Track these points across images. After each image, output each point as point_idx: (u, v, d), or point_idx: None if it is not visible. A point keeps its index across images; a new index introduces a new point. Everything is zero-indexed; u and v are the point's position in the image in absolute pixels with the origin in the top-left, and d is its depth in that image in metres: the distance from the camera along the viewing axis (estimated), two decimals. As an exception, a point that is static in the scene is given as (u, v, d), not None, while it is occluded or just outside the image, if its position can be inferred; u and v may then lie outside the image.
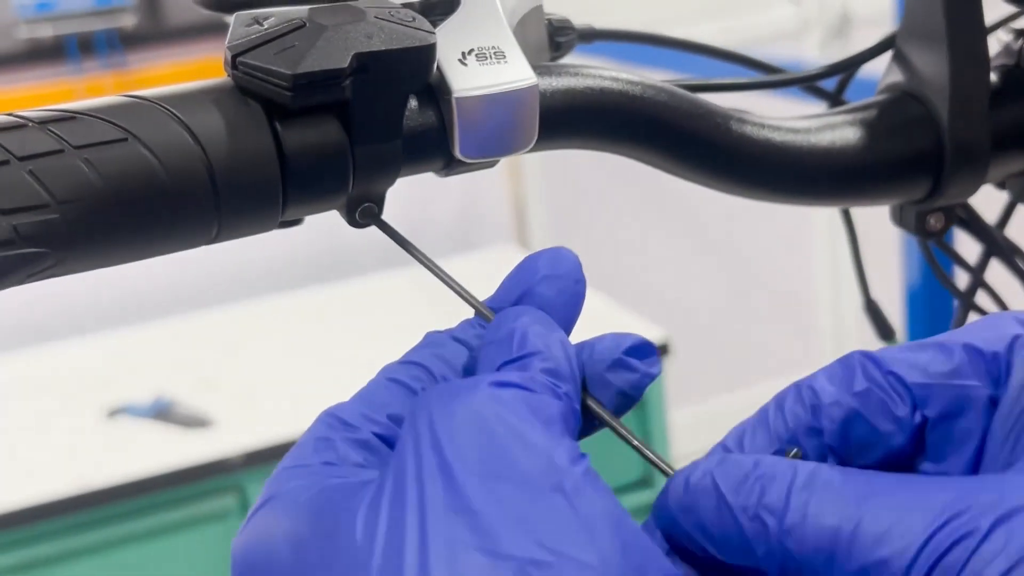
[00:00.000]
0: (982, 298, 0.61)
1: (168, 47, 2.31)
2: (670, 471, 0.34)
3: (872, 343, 0.66)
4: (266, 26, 0.36)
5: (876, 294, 0.68)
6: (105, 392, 1.98)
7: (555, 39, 0.50)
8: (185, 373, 2.02)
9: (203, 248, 0.38)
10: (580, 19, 0.53)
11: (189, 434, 1.84)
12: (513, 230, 2.63)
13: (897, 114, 0.51)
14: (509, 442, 0.30)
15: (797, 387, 0.33)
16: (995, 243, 0.57)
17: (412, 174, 0.41)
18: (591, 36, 0.54)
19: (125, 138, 0.34)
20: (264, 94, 0.36)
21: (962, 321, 0.60)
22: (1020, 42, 0.53)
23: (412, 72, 0.38)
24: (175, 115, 0.35)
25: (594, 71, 0.45)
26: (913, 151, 0.51)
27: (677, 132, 0.47)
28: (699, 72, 0.64)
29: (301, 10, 0.37)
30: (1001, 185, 0.57)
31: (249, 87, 0.36)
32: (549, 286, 0.36)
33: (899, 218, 0.55)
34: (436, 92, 0.40)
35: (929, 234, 0.53)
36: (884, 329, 0.68)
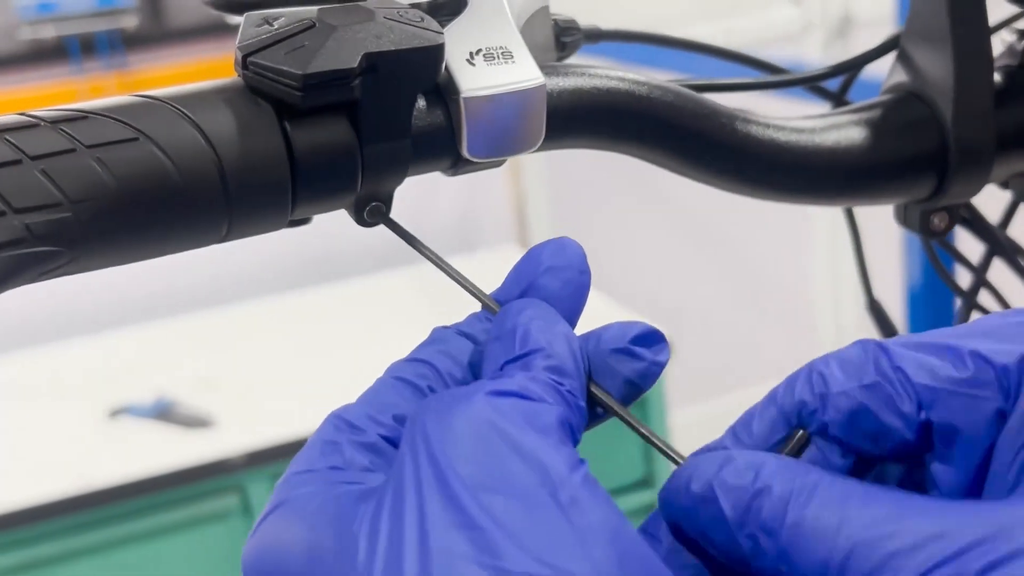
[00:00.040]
0: (984, 297, 0.61)
1: (170, 48, 2.31)
2: (680, 460, 0.34)
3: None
4: (276, 26, 0.36)
5: (878, 293, 0.68)
6: (106, 392, 1.98)
7: (561, 39, 0.50)
8: (186, 373, 2.02)
9: (207, 247, 0.38)
10: (583, 19, 0.53)
11: (190, 434, 1.84)
12: (514, 230, 2.64)
13: (902, 114, 0.51)
14: (505, 453, 0.30)
15: (809, 370, 0.33)
16: (998, 242, 0.57)
17: (420, 173, 0.41)
18: (597, 36, 0.54)
19: (137, 138, 0.34)
20: (274, 94, 0.36)
21: (965, 321, 0.61)
22: (1023, 43, 0.53)
23: (421, 72, 0.38)
24: (186, 115, 0.35)
25: (601, 71, 0.45)
26: (918, 151, 0.51)
27: (683, 132, 0.47)
28: (703, 72, 0.64)
29: (311, 10, 0.37)
30: (1004, 185, 0.57)
31: (259, 87, 0.36)
32: (553, 277, 0.36)
33: (903, 218, 0.55)
34: (444, 92, 0.40)
35: (933, 233, 0.54)
36: (887, 329, 0.69)
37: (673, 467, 0.34)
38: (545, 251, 0.37)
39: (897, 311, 1.03)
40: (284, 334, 2.19)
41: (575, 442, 0.32)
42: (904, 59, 0.53)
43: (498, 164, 0.42)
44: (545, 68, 0.43)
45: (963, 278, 0.62)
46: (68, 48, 2.24)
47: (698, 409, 2.76)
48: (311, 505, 0.31)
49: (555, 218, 2.64)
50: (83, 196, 0.33)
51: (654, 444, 0.35)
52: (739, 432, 0.34)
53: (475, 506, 0.29)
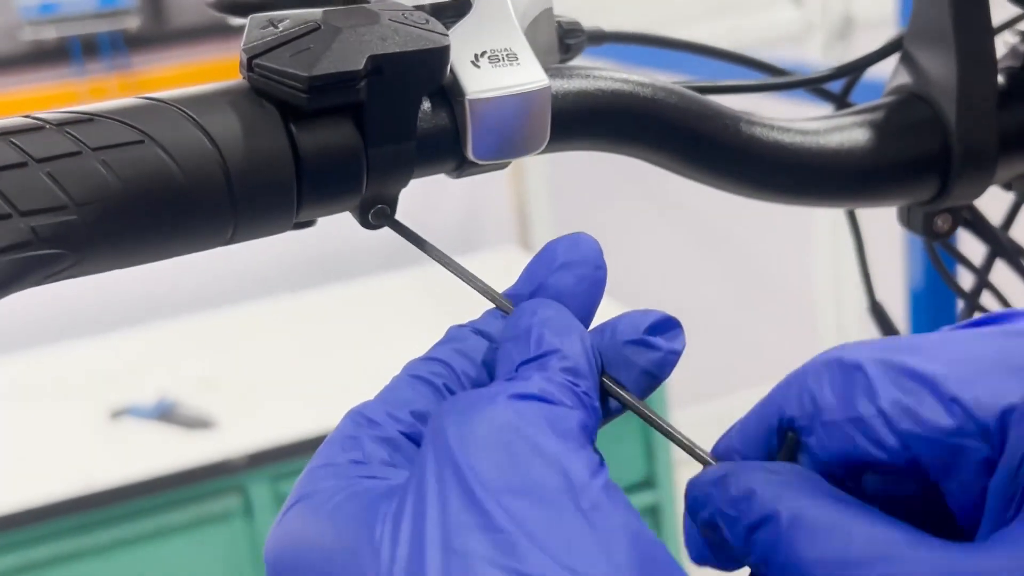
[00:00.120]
0: (987, 299, 0.61)
1: (172, 49, 2.31)
2: (707, 458, 0.35)
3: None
4: (281, 28, 0.36)
5: (879, 294, 0.68)
6: (108, 393, 1.98)
7: (565, 41, 0.50)
8: (188, 374, 2.02)
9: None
10: (586, 20, 0.53)
11: (192, 435, 1.84)
12: (516, 231, 2.64)
13: (905, 116, 0.51)
14: (527, 458, 0.30)
15: (799, 389, 0.33)
16: (1000, 244, 0.57)
17: (425, 175, 0.41)
18: (600, 38, 0.54)
19: (142, 140, 0.34)
20: (279, 96, 0.36)
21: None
22: (1026, 44, 0.53)
23: (426, 74, 0.38)
24: (191, 117, 0.35)
25: (605, 73, 0.45)
26: (921, 153, 0.51)
27: (687, 134, 0.47)
28: (705, 74, 0.65)
29: (316, 12, 0.37)
30: (1007, 186, 0.57)
31: (265, 89, 0.36)
32: (568, 273, 0.36)
33: (906, 219, 0.55)
34: (449, 94, 0.40)
35: (936, 235, 0.54)
36: (889, 331, 0.69)
37: (686, 455, 0.35)
38: (560, 247, 0.37)
39: (899, 312, 1.02)
40: (286, 335, 2.19)
41: (592, 442, 0.32)
42: (907, 61, 0.53)
43: (503, 166, 0.42)
44: (549, 70, 0.43)
45: (965, 279, 0.62)
46: (70, 49, 2.25)
47: (700, 409, 2.76)
48: (333, 500, 0.31)
49: (557, 219, 2.64)
50: (88, 199, 0.33)
51: (674, 439, 0.36)
52: (732, 439, 0.35)
53: (497, 509, 0.29)
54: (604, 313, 0.37)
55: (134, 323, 2.28)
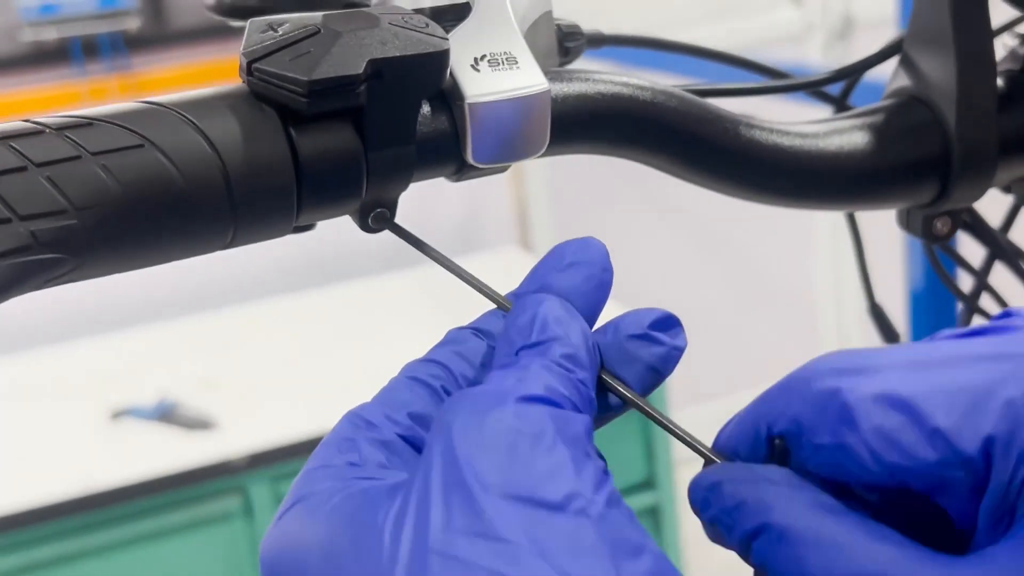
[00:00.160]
0: (986, 301, 0.61)
1: (172, 50, 2.31)
2: (707, 452, 0.35)
3: (876, 345, 0.66)
4: (281, 32, 0.36)
5: (879, 296, 0.68)
6: (109, 394, 1.98)
7: (564, 44, 0.50)
8: (189, 375, 2.03)
9: (210, 251, 0.38)
10: (585, 21, 0.53)
11: (193, 436, 1.84)
12: (516, 232, 2.64)
13: (905, 119, 0.51)
14: (535, 466, 0.30)
15: (785, 406, 0.33)
16: (999, 246, 0.57)
17: (425, 179, 0.41)
18: (600, 41, 0.54)
19: (142, 144, 0.34)
20: (279, 100, 0.36)
21: (966, 324, 0.61)
22: (1026, 47, 0.53)
23: (426, 78, 0.38)
24: (191, 121, 0.35)
25: (604, 76, 0.45)
26: (921, 155, 0.51)
27: (687, 137, 0.47)
28: (705, 75, 0.65)
29: (315, 16, 0.37)
30: (1007, 189, 0.57)
31: (264, 93, 0.36)
32: (576, 273, 0.37)
33: (906, 222, 0.55)
34: (449, 98, 0.40)
35: (936, 238, 0.54)
36: (888, 333, 0.69)
37: (687, 455, 0.36)
38: (569, 248, 0.37)
39: (899, 314, 1.03)
40: (286, 336, 2.19)
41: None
42: (907, 64, 0.53)
43: (503, 170, 0.42)
44: (549, 74, 0.43)
45: (965, 282, 0.62)
46: (70, 50, 2.25)
47: (700, 409, 2.76)
48: (331, 501, 0.31)
49: (557, 220, 2.64)
50: (88, 203, 0.33)
51: (676, 434, 0.36)
52: (721, 441, 0.35)
53: (502, 517, 0.29)
54: (605, 314, 0.37)
55: (134, 324, 2.28)
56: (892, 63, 0.54)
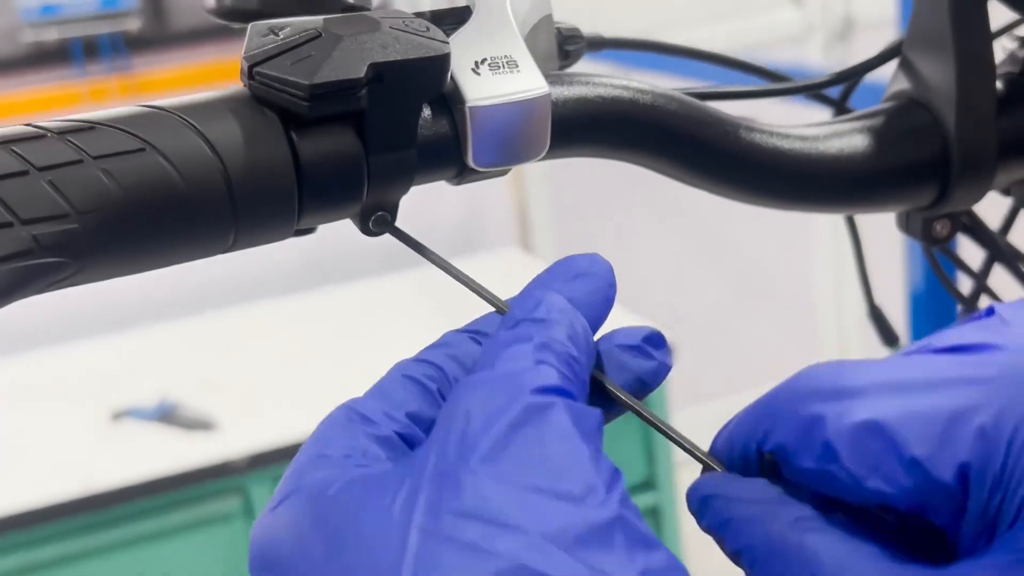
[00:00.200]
0: (985, 303, 0.61)
1: (173, 50, 2.31)
2: (704, 457, 0.36)
3: (876, 347, 0.66)
4: (282, 36, 0.36)
5: (879, 299, 0.68)
6: (109, 395, 1.98)
7: (564, 48, 0.50)
8: (189, 376, 2.03)
9: (210, 252, 0.38)
10: (585, 19, 0.53)
11: (193, 437, 1.84)
12: (517, 234, 2.64)
13: (904, 122, 0.52)
14: (552, 457, 0.30)
15: (770, 426, 0.34)
16: (998, 249, 0.57)
17: (425, 183, 0.41)
18: (600, 45, 0.54)
19: (143, 148, 0.34)
20: (280, 104, 0.36)
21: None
22: (1025, 50, 0.53)
23: (427, 82, 0.38)
24: (192, 125, 0.35)
25: (605, 80, 0.45)
26: (920, 158, 0.51)
27: (687, 140, 0.47)
28: (705, 77, 0.65)
29: (316, 20, 0.37)
30: (1006, 191, 0.57)
31: (266, 97, 0.36)
32: (581, 285, 0.37)
33: (905, 225, 0.55)
34: (450, 101, 0.40)
35: (935, 240, 0.54)
36: (888, 335, 0.69)
37: (687, 456, 0.36)
38: (576, 261, 0.38)
39: (899, 316, 1.03)
40: (287, 337, 2.19)
41: None
42: (906, 66, 0.53)
43: (503, 173, 0.43)
44: (549, 77, 0.43)
45: (964, 284, 0.62)
46: (71, 51, 2.25)
47: (700, 410, 2.76)
48: (329, 491, 0.31)
49: (557, 221, 2.64)
50: (90, 207, 0.33)
51: (666, 433, 0.36)
52: (723, 447, 0.36)
53: (519, 509, 0.29)
54: (606, 323, 0.38)
55: (135, 324, 2.28)
56: (892, 65, 0.54)
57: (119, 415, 1.91)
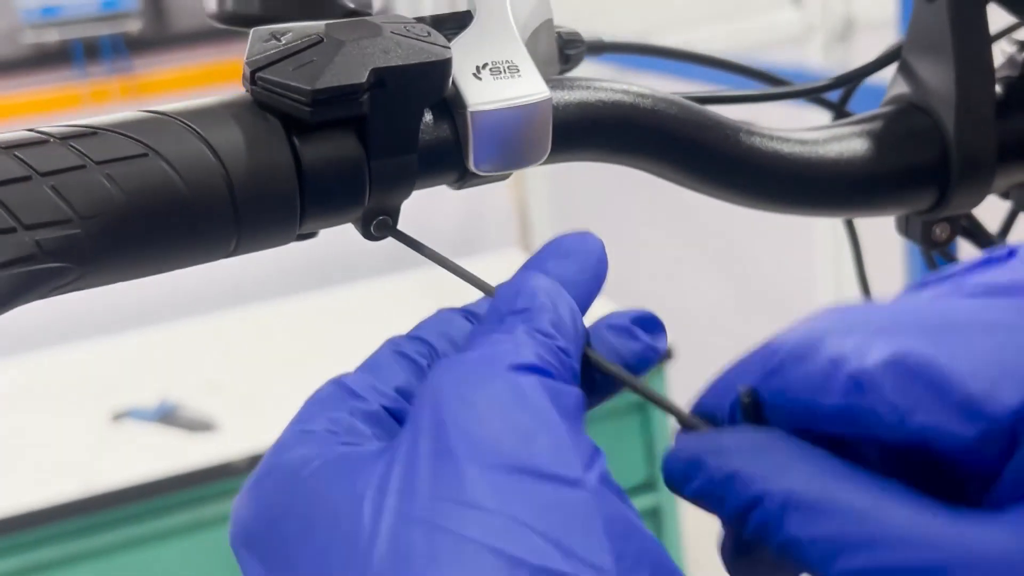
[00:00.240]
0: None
1: (173, 52, 2.31)
2: (691, 419, 0.34)
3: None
4: (284, 41, 0.37)
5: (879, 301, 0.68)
6: (110, 396, 1.98)
7: (565, 52, 0.50)
8: (190, 377, 2.03)
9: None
10: (581, 21, 0.53)
11: (194, 438, 1.84)
12: (517, 234, 2.64)
13: (903, 125, 0.52)
14: (527, 436, 0.29)
15: (777, 371, 0.32)
16: (999, 252, 0.57)
17: (427, 187, 0.41)
18: (600, 48, 0.54)
19: (146, 153, 0.34)
20: (283, 109, 0.36)
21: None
22: (1023, 54, 0.53)
23: (428, 86, 0.38)
24: (195, 130, 0.36)
25: (605, 84, 0.46)
26: (920, 162, 0.51)
27: (687, 144, 0.47)
28: (705, 79, 0.65)
29: (318, 25, 0.37)
30: (1005, 195, 0.57)
31: (268, 102, 0.36)
32: (570, 263, 0.37)
33: (905, 228, 0.55)
34: (451, 106, 0.41)
35: (935, 244, 0.54)
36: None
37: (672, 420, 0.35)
38: (566, 239, 0.38)
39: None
40: (288, 338, 2.19)
41: None
42: (905, 70, 0.53)
43: (504, 177, 0.43)
44: (550, 81, 0.43)
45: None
46: (72, 52, 2.25)
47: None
48: (310, 467, 0.31)
49: (557, 222, 2.64)
50: (93, 212, 0.33)
51: (657, 402, 0.35)
52: (705, 402, 0.35)
53: (494, 490, 0.28)
54: (603, 314, 0.38)
55: (136, 326, 2.28)
56: (891, 68, 0.55)
57: (120, 416, 1.91)
